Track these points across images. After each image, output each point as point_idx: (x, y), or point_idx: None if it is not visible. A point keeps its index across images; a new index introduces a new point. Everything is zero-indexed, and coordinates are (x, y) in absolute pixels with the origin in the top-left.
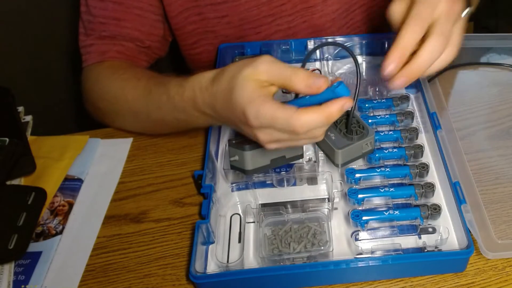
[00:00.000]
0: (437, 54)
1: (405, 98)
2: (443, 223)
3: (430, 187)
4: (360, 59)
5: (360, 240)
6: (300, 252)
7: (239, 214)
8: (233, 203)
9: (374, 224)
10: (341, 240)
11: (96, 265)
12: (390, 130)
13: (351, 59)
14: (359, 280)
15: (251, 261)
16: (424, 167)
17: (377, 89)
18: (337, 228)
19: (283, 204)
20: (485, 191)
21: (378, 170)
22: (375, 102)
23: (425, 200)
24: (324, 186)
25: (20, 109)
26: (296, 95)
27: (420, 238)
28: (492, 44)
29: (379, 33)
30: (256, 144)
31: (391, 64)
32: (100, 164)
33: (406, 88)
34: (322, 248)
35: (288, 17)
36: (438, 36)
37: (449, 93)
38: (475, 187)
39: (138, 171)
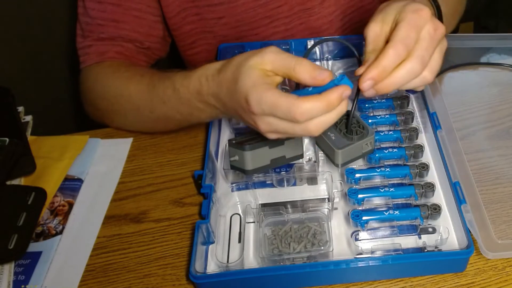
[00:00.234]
0: (413, 76)
1: (405, 98)
2: (443, 223)
3: (430, 187)
4: None
5: (360, 240)
6: (300, 252)
7: (239, 214)
8: (233, 203)
9: (374, 224)
10: (341, 240)
11: (96, 265)
12: (390, 130)
13: (351, 59)
14: (359, 280)
15: (251, 261)
16: (424, 167)
17: None
18: (337, 228)
19: (283, 204)
20: (485, 191)
21: (378, 170)
22: (375, 102)
23: (425, 200)
24: (324, 186)
25: (20, 109)
26: (297, 87)
27: (420, 238)
28: (492, 44)
29: None
30: (256, 144)
31: (368, 81)
32: (100, 164)
33: None
34: (322, 248)
35: (285, 19)
36: (417, 59)
37: (449, 93)
38: (475, 187)
39: (138, 171)
